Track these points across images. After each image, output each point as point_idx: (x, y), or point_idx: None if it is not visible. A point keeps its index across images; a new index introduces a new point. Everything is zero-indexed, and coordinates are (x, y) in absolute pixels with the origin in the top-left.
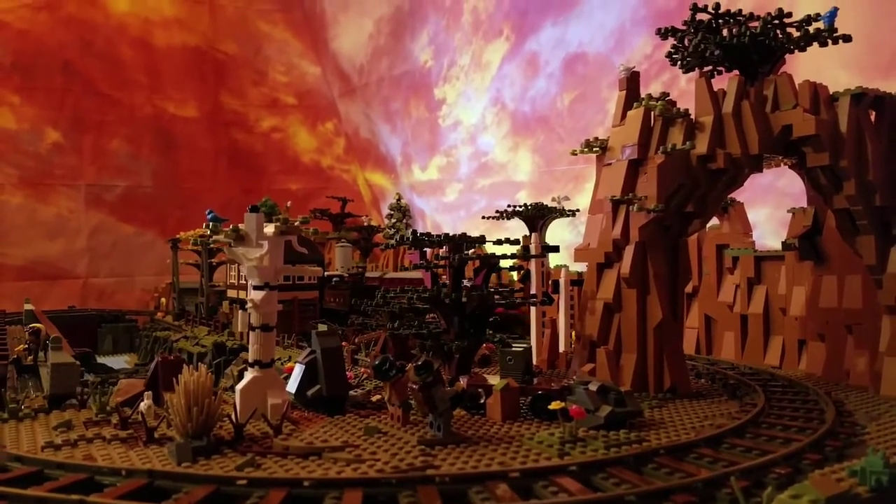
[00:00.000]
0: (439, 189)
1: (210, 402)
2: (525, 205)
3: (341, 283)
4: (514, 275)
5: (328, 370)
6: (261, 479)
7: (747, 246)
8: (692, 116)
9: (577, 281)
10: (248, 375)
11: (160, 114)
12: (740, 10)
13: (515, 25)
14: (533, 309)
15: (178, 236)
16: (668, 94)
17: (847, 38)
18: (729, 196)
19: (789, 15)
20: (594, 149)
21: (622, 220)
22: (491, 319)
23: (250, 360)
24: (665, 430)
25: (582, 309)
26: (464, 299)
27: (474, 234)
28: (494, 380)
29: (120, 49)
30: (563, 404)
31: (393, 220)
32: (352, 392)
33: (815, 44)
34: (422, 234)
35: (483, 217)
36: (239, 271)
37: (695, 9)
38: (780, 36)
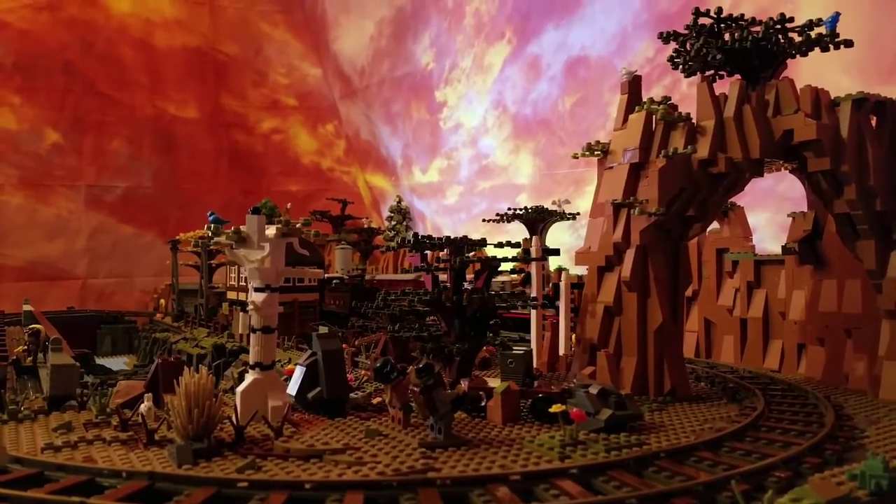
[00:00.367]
0: (440, 191)
1: (211, 404)
2: (525, 208)
3: (341, 286)
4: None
5: (329, 372)
6: (262, 482)
7: (747, 250)
8: (694, 120)
9: (577, 284)
10: (249, 377)
11: (160, 115)
12: (742, 15)
13: (517, 28)
14: (533, 312)
15: (177, 237)
16: (669, 98)
17: (849, 43)
18: (729, 200)
19: (791, 20)
20: (595, 152)
21: (623, 224)
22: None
23: (251, 363)
24: (665, 433)
25: (582, 312)
26: (464, 302)
27: (474, 236)
28: (495, 382)
29: (121, 50)
30: (563, 407)
31: (393, 223)
32: (352, 394)
33: (817, 49)
34: (423, 237)
35: (483, 220)
36: (239, 273)
37: (697, 13)
38: (782, 40)
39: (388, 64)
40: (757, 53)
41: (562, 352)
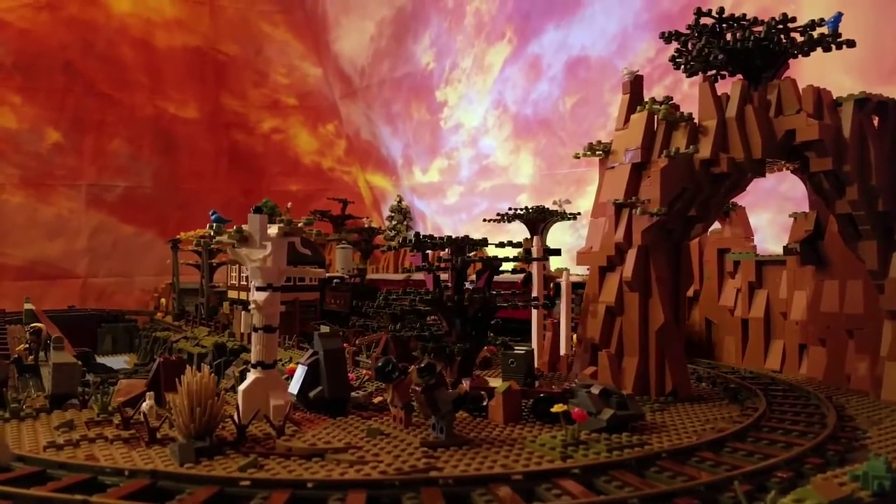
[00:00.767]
0: (440, 191)
1: (213, 403)
2: (526, 208)
3: (342, 285)
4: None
5: (330, 372)
6: (264, 481)
7: (749, 250)
8: (695, 120)
9: (578, 284)
10: (251, 376)
11: (161, 114)
12: (744, 15)
13: (518, 28)
14: (534, 312)
15: (178, 237)
16: (671, 98)
17: (851, 44)
18: (731, 200)
19: (793, 20)
20: (597, 152)
21: (625, 224)
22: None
23: (253, 361)
24: (667, 433)
25: (584, 312)
26: (466, 302)
27: (475, 236)
28: (496, 382)
29: (121, 50)
30: (565, 407)
31: (394, 223)
32: (354, 394)
33: (819, 49)
34: (425, 237)
35: (484, 220)
36: (240, 272)
37: (699, 13)
38: (784, 40)
39: (388, 64)
40: (759, 53)
41: (563, 351)
